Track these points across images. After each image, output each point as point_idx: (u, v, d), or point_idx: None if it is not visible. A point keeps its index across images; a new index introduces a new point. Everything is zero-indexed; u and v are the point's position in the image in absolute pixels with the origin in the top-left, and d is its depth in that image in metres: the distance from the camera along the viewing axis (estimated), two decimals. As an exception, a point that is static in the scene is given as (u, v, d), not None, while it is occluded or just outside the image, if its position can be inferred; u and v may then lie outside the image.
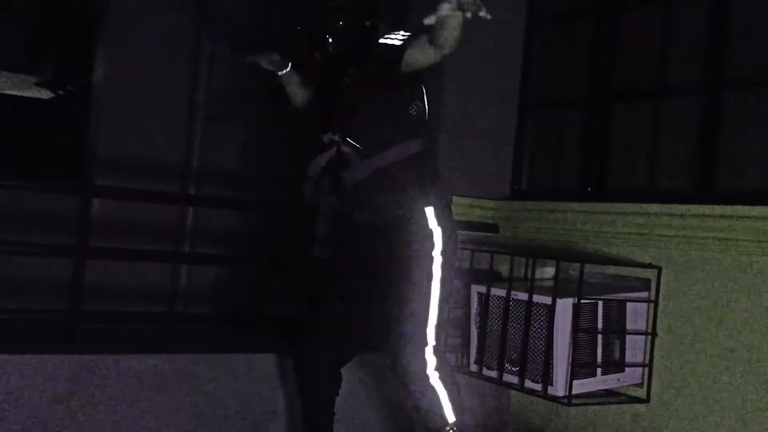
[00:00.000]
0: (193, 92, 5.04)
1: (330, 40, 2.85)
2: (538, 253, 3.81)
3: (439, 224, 2.88)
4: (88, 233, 4.68)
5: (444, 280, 2.86)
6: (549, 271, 3.73)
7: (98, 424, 3.09)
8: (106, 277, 4.52)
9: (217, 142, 5.06)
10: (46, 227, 4.53)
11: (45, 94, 8.65)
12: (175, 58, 4.97)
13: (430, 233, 2.87)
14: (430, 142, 3.06)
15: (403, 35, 2.83)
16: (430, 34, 2.65)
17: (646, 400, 3.55)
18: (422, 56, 2.76)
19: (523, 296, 3.53)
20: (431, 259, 2.84)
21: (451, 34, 2.61)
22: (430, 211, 2.88)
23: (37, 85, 8.62)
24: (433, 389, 2.81)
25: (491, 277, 3.87)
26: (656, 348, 3.55)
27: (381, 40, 2.86)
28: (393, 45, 2.83)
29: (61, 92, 8.28)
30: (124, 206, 4.61)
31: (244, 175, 5.14)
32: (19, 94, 9.02)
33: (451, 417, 2.83)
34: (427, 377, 2.80)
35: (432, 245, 2.86)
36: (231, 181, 5.07)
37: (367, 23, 2.90)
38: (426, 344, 2.80)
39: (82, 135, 5.11)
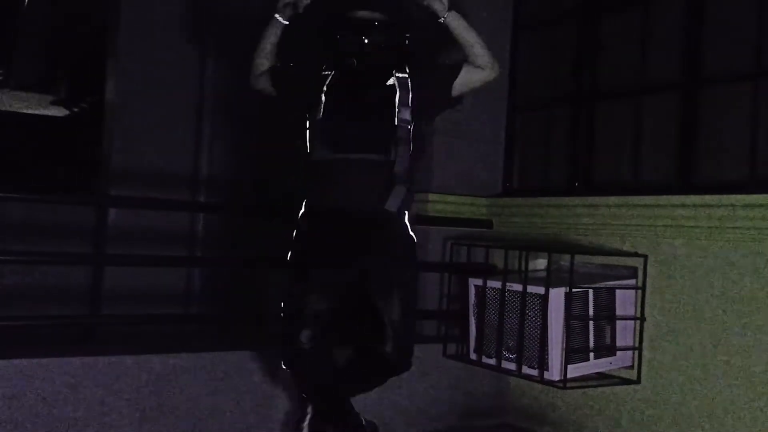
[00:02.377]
0: (200, 106, 5.03)
1: (366, 42, 2.78)
2: (530, 246, 3.81)
3: (413, 231, 2.93)
4: (105, 241, 4.67)
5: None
6: (541, 263, 3.73)
7: (120, 421, 3.08)
8: (123, 282, 4.52)
9: (223, 152, 5.06)
10: (65, 237, 4.53)
11: (60, 112, 8.66)
12: (181, 74, 4.97)
13: (412, 242, 2.92)
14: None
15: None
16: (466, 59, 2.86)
17: (637, 382, 3.55)
18: (474, 78, 2.91)
19: (517, 287, 3.52)
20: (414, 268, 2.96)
21: (473, 49, 2.84)
22: (406, 217, 2.91)
23: (53, 103, 8.63)
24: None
25: (487, 270, 3.87)
26: (645, 332, 3.55)
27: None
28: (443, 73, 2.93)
29: (75, 110, 8.29)
30: (137, 215, 4.61)
31: (249, 181, 5.13)
32: (36, 112, 9.03)
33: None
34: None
35: (414, 250, 2.92)
36: (237, 187, 5.07)
37: (406, 35, 2.90)
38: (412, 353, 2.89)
39: (96, 149, 5.11)
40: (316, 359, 2.81)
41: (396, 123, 2.81)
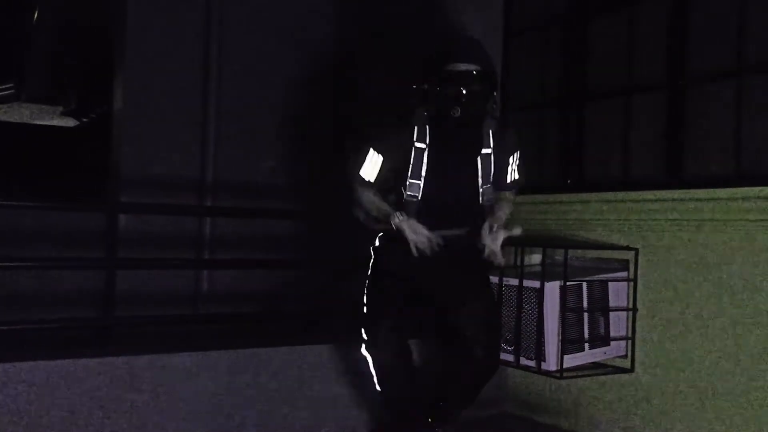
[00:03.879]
0: (204, 113, 5.03)
1: (465, 99, 2.83)
2: (525, 242, 3.81)
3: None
4: (117, 246, 4.67)
5: None
6: (536, 258, 3.73)
7: (136, 419, 3.09)
8: (134, 284, 4.52)
9: (228, 157, 5.06)
10: (78, 243, 4.53)
11: (71, 122, 8.65)
12: (186, 83, 4.97)
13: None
14: None
15: (515, 169, 3.08)
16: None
17: (631, 370, 3.55)
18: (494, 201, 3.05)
19: (514, 282, 3.53)
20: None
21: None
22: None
23: (63, 114, 8.62)
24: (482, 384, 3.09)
25: (485, 266, 3.87)
26: (637, 322, 3.55)
27: (512, 158, 3.04)
28: (509, 173, 3.06)
29: (85, 120, 8.27)
30: (147, 220, 4.61)
31: (254, 185, 5.14)
32: (47, 123, 9.03)
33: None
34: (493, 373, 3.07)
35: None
36: (243, 191, 5.07)
37: (493, 91, 2.96)
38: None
39: (106, 157, 5.10)
40: (394, 344, 2.96)
41: (480, 199, 2.98)
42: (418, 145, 2.92)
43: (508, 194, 3.08)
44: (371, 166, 2.97)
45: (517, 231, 2.88)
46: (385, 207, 2.96)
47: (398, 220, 2.85)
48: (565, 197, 3.94)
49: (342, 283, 4.31)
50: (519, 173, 3.06)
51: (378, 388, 3.04)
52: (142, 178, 4.77)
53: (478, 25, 4.33)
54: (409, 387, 3.06)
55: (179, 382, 3.19)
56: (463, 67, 2.83)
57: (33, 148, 7.70)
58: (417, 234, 2.81)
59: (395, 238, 2.90)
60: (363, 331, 2.98)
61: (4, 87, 8.94)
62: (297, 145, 5.28)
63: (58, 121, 8.90)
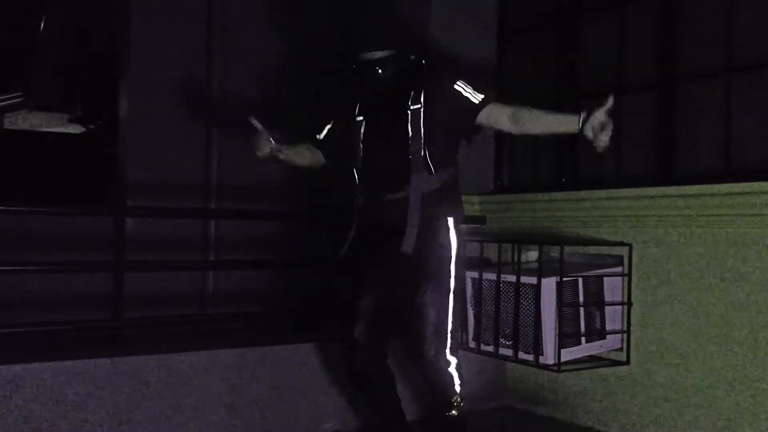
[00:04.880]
0: (208, 118, 5.03)
1: (380, 71, 2.85)
2: (522, 239, 3.81)
3: (456, 234, 2.93)
4: (124, 249, 4.67)
5: (457, 279, 2.93)
6: (533, 255, 3.73)
7: (144, 418, 3.09)
8: (142, 286, 4.52)
9: (232, 161, 5.06)
10: (86, 246, 4.53)
11: (77, 129, 8.64)
12: (190, 90, 4.97)
13: (449, 241, 2.92)
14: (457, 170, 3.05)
15: (474, 92, 2.88)
16: (517, 113, 2.82)
17: (626, 363, 3.55)
18: (495, 123, 2.89)
19: (511, 278, 3.53)
20: (450, 262, 2.90)
21: (537, 128, 2.85)
22: (450, 221, 2.92)
23: (70, 121, 8.61)
24: (450, 375, 2.91)
25: (482, 263, 3.87)
26: (632, 316, 3.55)
27: (456, 87, 2.87)
28: (468, 98, 2.86)
29: (91, 127, 8.27)
30: (153, 223, 4.61)
31: (257, 188, 5.14)
32: (54, 130, 9.02)
33: (458, 388, 2.93)
34: (446, 368, 2.90)
35: (450, 251, 2.91)
36: (246, 194, 5.07)
37: (412, 57, 2.94)
38: (446, 345, 2.90)
39: (112, 163, 5.10)
40: (365, 352, 2.87)
41: (410, 157, 2.84)
42: (358, 118, 2.94)
43: (489, 107, 2.86)
44: (324, 128, 3.13)
45: (609, 101, 2.65)
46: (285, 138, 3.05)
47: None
48: (560, 195, 3.93)
49: (342, 282, 4.31)
50: (482, 92, 2.87)
51: (356, 392, 3.03)
52: (147, 183, 4.77)
53: (473, 26, 4.33)
54: (387, 392, 3.01)
55: (187, 381, 3.20)
56: (366, 56, 2.84)
57: (41, 154, 7.69)
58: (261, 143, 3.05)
59: (360, 233, 2.93)
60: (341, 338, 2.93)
61: (11, 96, 8.94)
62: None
63: (65, 128, 8.89)
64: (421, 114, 2.82)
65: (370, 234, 2.94)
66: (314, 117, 3.23)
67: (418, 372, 2.99)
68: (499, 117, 2.87)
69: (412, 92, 2.85)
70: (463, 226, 3.01)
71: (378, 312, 2.88)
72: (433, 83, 2.88)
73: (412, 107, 2.84)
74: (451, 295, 2.91)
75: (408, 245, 2.80)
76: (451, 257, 2.91)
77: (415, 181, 2.81)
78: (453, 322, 2.92)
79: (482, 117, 2.88)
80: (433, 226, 2.87)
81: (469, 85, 2.88)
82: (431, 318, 2.87)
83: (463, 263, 3.04)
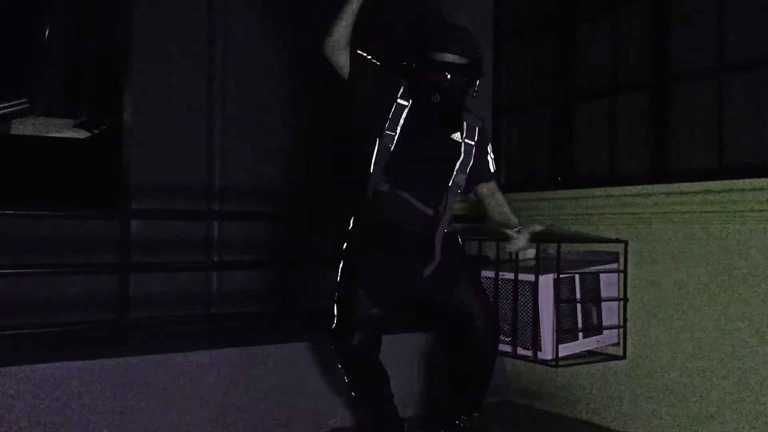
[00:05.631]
0: (210, 121, 5.03)
1: (449, 76, 2.76)
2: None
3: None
4: (129, 251, 4.67)
5: None
6: (530, 253, 3.72)
7: (150, 417, 3.08)
8: (147, 287, 4.52)
9: (234, 164, 5.06)
10: (92, 249, 4.53)
11: (82, 134, 8.65)
12: (192, 94, 4.97)
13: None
14: None
15: (492, 160, 3.04)
16: (497, 208, 3.08)
17: (623, 357, 3.55)
18: (482, 198, 3.08)
19: (509, 276, 3.53)
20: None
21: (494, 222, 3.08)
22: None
23: (75, 127, 8.62)
24: (494, 361, 3.01)
25: (481, 262, 3.87)
26: (628, 311, 3.55)
27: (489, 148, 3.01)
28: (489, 164, 3.02)
29: (96, 131, 8.27)
30: (158, 225, 4.61)
31: (259, 190, 5.14)
32: (60, 136, 9.03)
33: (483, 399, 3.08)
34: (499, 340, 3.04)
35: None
36: (248, 195, 5.07)
37: (475, 89, 2.90)
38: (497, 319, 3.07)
39: (116, 166, 5.10)
40: (364, 357, 2.86)
41: (450, 184, 2.88)
42: (400, 101, 2.82)
43: (493, 185, 3.04)
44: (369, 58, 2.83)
45: (538, 227, 2.93)
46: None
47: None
48: (556, 194, 3.93)
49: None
50: (493, 164, 3.03)
51: (352, 393, 3.00)
52: (151, 186, 4.77)
53: (469, 27, 4.32)
54: (381, 390, 3.00)
55: (191, 380, 3.19)
56: (450, 57, 2.76)
57: (47, 159, 7.70)
58: None
59: (370, 238, 2.86)
60: (333, 342, 2.88)
61: (18, 102, 8.95)
62: (300, 150, 5.28)
63: (70, 133, 8.90)
64: (473, 150, 2.91)
65: (384, 238, 2.86)
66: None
67: (466, 360, 2.96)
68: (488, 198, 3.07)
69: (465, 123, 2.89)
70: (463, 225, 3.04)
71: (384, 323, 2.88)
72: (483, 131, 2.97)
73: (467, 141, 2.89)
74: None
75: (428, 271, 2.86)
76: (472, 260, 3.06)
77: (447, 210, 2.88)
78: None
79: (483, 187, 3.04)
80: (452, 244, 2.96)
81: (491, 149, 3.04)
82: (477, 298, 2.93)
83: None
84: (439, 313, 3.15)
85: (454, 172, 2.88)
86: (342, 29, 2.73)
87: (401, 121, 2.80)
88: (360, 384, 2.94)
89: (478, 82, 2.86)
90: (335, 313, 2.87)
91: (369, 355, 2.88)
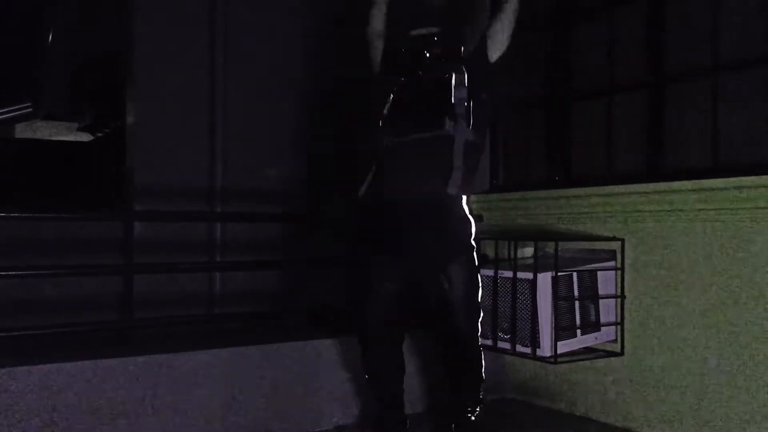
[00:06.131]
0: (212, 124, 5.03)
1: (427, 62, 2.84)
2: (518, 237, 3.81)
3: (470, 213, 2.92)
4: (133, 252, 4.67)
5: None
6: (529, 251, 3.73)
7: (156, 416, 3.08)
8: (151, 288, 4.52)
9: (236, 165, 5.06)
10: (97, 250, 4.53)
11: (86, 137, 8.65)
12: (193, 97, 4.97)
13: (468, 220, 2.90)
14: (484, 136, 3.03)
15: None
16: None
17: (621, 354, 3.55)
18: (499, 37, 2.98)
19: (508, 274, 3.53)
20: (471, 237, 2.90)
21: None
22: (464, 200, 2.89)
23: (79, 130, 8.62)
24: (479, 352, 2.90)
25: (480, 260, 3.86)
26: (626, 308, 3.55)
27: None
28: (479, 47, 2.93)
29: (99, 135, 8.28)
30: (161, 226, 4.61)
31: (261, 191, 5.14)
32: (64, 139, 9.03)
33: (481, 393, 2.96)
34: (479, 348, 2.89)
35: (470, 230, 2.90)
36: (250, 196, 5.07)
37: (460, 48, 2.94)
38: (479, 322, 2.88)
39: (120, 169, 5.11)
40: (382, 336, 2.87)
41: (452, 101, 2.78)
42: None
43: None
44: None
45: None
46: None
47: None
48: (553, 193, 3.93)
49: (344, 280, 4.31)
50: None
51: (367, 381, 3.01)
52: (154, 188, 4.77)
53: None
54: (395, 383, 3.01)
55: (196, 378, 3.19)
56: (423, 31, 2.82)
57: (52, 162, 7.71)
58: None
59: (373, 204, 2.85)
60: (357, 325, 2.91)
61: (22, 106, 8.95)
62: (300, 152, 5.28)
63: (74, 137, 8.90)
64: (470, 69, 2.83)
65: (388, 208, 2.85)
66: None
67: (451, 355, 2.92)
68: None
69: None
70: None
71: (397, 294, 2.86)
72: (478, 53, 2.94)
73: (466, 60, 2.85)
74: (479, 276, 2.90)
75: (454, 185, 2.75)
76: (472, 234, 2.90)
77: (460, 125, 2.76)
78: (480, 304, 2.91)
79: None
80: (459, 194, 2.84)
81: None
82: (463, 294, 2.83)
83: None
84: (424, 300, 3.04)
85: (452, 91, 2.80)
86: (377, 19, 2.91)
87: (392, 94, 2.88)
88: (373, 369, 2.95)
89: (466, 47, 2.92)
90: (354, 293, 2.92)
91: (387, 336, 2.88)
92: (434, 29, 2.84)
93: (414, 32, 2.84)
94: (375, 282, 2.85)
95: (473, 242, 2.90)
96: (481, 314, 2.89)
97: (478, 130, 2.86)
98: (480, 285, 2.93)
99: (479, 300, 2.91)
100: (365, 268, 2.86)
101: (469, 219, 2.91)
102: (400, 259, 2.85)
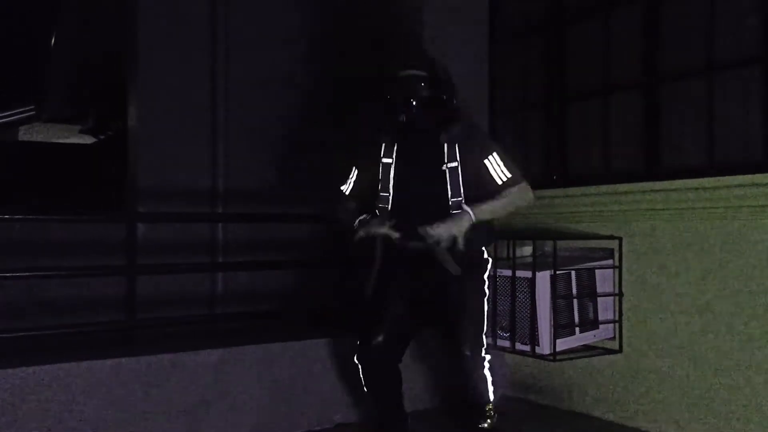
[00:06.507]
0: (214, 126, 5.03)
1: (413, 102, 2.84)
2: (516, 236, 3.81)
3: (489, 255, 3.01)
4: (136, 253, 4.67)
5: (489, 298, 2.99)
6: (527, 250, 3.74)
7: (160, 413, 3.09)
8: (154, 288, 4.52)
9: (237, 166, 5.06)
10: (101, 252, 4.53)
11: (89, 139, 8.65)
12: (195, 99, 4.97)
13: (486, 261, 2.99)
14: None
15: (502, 169, 2.93)
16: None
17: (619, 351, 3.55)
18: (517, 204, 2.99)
19: (507, 273, 3.54)
20: (484, 281, 2.97)
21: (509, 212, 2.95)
22: (483, 248, 2.98)
23: (82, 132, 8.62)
24: (484, 376, 2.88)
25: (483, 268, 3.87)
26: (623, 306, 3.55)
27: (486, 162, 2.90)
28: (493, 178, 2.91)
29: (102, 137, 8.28)
30: (164, 227, 4.61)
31: (262, 192, 5.14)
32: (67, 141, 9.03)
33: (491, 396, 2.91)
34: (481, 367, 2.87)
35: (485, 271, 2.98)
36: (252, 197, 5.08)
37: (443, 96, 2.92)
38: (482, 345, 2.88)
39: (123, 171, 5.11)
40: (385, 358, 2.90)
41: (444, 168, 2.84)
42: (385, 160, 2.92)
43: (506, 191, 2.91)
44: (349, 181, 3.06)
45: (460, 244, 2.78)
46: (349, 215, 2.98)
47: (356, 225, 2.90)
48: (551, 192, 3.94)
49: (344, 280, 4.31)
50: (509, 170, 2.90)
51: (366, 390, 3.01)
52: (157, 189, 4.77)
53: (465, 33, 4.33)
54: (391, 393, 3.02)
55: (198, 378, 3.20)
56: (409, 72, 2.86)
57: (55, 165, 7.71)
58: (373, 229, 2.83)
59: (391, 246, 2.89)
60: (357, 338, 2.93)
61: (25, 109, 8.96)
62: (301, 153, 5.28)
63: (76, 139, 8.90)
64: (459, 173, 2.85)
65: (399, 258, 2.91)
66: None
67: (456, 370, 2.95)
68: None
69: (446, 145, 2.86)
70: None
71: (403, 323, 2.91)
72: (470, 144, 2.89)
73: (449, 165, 2.85)
74: (486, 300, 2.95)
75: (456, 270, 2.82)
76: (486, 270, 2.98)
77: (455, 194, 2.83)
78: (488, 324, 2.95)
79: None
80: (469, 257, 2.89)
81: (500, 158, 2.91)
82: (469, 320, 2.87)
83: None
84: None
85: (448, 192, 2.84)
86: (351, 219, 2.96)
87: (391, 177, 2.91)
88: (373, 383, 2.96)
89: (450, 98, 2.91)
90: (361, 313, 2.94)
91: (389, 357, 2.92)
92: (420, 72, 2.88)
93: (398, 73, 2.89)
94: (382, 312, 2.91)
95: (486, 278, 2.98)
96: (484, 343, 2.90)
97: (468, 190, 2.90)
98: (486, 318, 2.96)
99: (484, 330, 2.94)
100: (372, 299, 2.94)
101: (480, 260, 2.98)
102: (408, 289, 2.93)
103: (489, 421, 2.94)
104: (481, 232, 2.90)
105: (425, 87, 2.86)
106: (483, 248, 2.98)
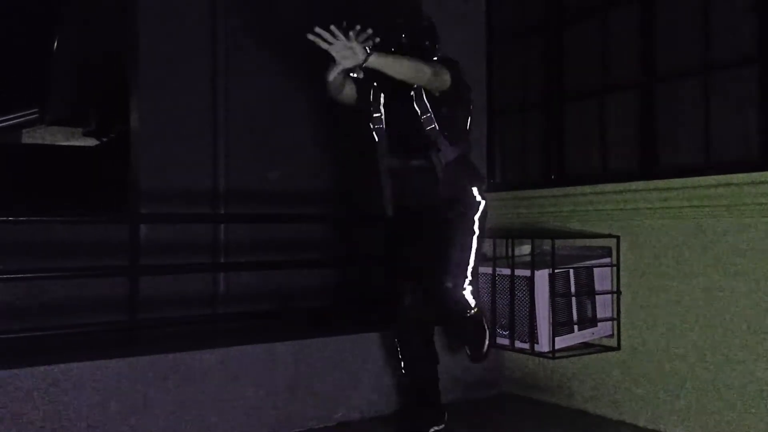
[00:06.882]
0: (214, 128, 5.04)
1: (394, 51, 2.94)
2: (515, 234, 3.81)
3: (482, 197, 3.10)
4: (139, 254, 4.67)
5: (480, 236, 3.06)
6: (526, 249, 3.73)
7: (162, 415, 3.09)
8: (156, 289, 4.52)
9: (239, 167, 5.06)
10: (103, 252, 4.53)
11: (91, 142, 8.66)
12: (195, 99, 4.97)
13: (477, 203, 3.07)
14: (469, 146, 3.20)
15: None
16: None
17: (617, 348, 3.55)
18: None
19: (506, 271, 3.53)
20: (474, 222, 3.05)
21: (409, 78, 2.88)
22: (474, 190, 3.08)
23: (84, 135, 8.63)
24: (465, 298, 2.99)
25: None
26: (621, 304, 3.55)
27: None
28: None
29: (104, 139, 8.28)
30: (166, 228, 4.61)
31: (263, 193, 5.14)
32: (70, 144, 9.04)
33: (472, 302, 3.01)
34: (461, 295, 2.98)
35: (476, 211, 3.06)
36: (253, 198, 5.08)
37: (427, 42, 3.08)
38: (465, 278, 2.98)
39: (125, 173, 5.11)
40: (415, 324, 3.13)
41: (425, 130, 2.98)
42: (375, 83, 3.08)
43: (429, 63, 2.93)
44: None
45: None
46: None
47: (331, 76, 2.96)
48: (549, 192, 3.94)
49: (344, 280, 4.32)
50: (445, 62, 2.97)
51: (403, 371, 3.18)
52: (159, 191, 4.78)
53: (464, 33, 4.32)
54: (430, 372, 3.19)
55: (200, 377, 3.19)
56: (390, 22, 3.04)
57: (58, 167, 7.71)
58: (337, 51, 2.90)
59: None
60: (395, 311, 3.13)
61: (28, 112, 8.96)
62: (300, 154, 5.28)
63: (79, 141, 8.91)
64: (423, 92, 2.96)
65: (398, 209, 3.08)
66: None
67: (437, 296, 3.06)
68: None
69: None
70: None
71: (418, 275, 3.06)
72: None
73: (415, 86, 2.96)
74: (475, 238, 3.02)
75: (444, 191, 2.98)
76: (477, 211, 3.05)
77: (434, 153, 2.97)
78: (474, 260, 3.02)
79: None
80: (459, 194, 3.03)
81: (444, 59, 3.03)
82: (455, 256, 2.97)
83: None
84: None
85: (419, 113, 2.97)
86: (333, 90, 3.02)
87: (381, 97, 3.07)
88: (408, 358, 3.13)
89: (431, 37, 3.08)
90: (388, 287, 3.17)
91: (419, 323, 3.11)
92: (400, 20, 3.06)
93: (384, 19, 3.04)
94: (399, 282, 3.13)
95: (476, 219, 3.06)
96: (467, 277, 2.98)
97: (456, 143, 3.04)
98: (471, 251, 3.03)
99: (468, 264, 3.00)
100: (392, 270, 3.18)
101: (475, 203, 3.07)
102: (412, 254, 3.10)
103: (472, 311, 3.04)
104: (467, 171, 3.08)
105: (406, 37, 3.01)
106: (474, 188, 3.07)
